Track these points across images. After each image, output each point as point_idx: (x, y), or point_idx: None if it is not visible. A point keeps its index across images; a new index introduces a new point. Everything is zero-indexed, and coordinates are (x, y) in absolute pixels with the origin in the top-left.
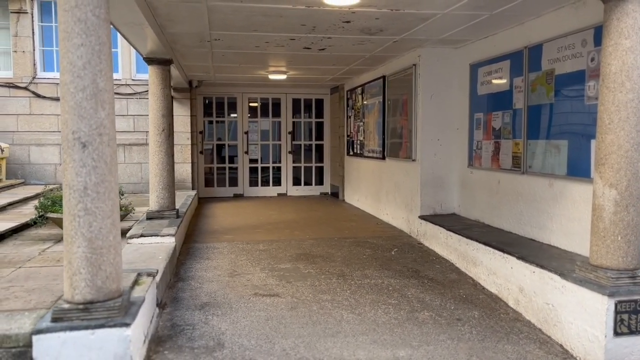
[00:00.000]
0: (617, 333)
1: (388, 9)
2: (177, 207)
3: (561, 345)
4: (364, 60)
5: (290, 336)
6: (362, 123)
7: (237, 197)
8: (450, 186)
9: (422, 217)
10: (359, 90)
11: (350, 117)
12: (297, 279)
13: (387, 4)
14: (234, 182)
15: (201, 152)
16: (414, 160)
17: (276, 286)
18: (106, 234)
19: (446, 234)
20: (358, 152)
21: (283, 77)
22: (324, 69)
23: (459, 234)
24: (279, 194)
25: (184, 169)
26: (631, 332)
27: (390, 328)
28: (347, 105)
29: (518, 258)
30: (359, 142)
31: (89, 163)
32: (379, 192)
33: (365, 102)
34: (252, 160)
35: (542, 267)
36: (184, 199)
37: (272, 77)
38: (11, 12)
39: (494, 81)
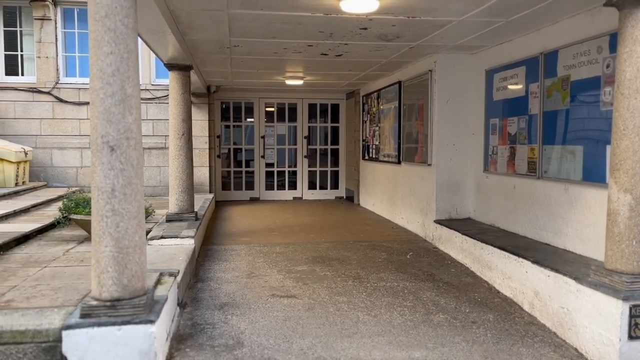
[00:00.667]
0: (631, 337)
1: (405, 16)
2: (195, 210)
3: (576, 349)
4: (380, 65)
5: (308, 336)
6: (377, 128)
7: (254, 200)
8: (466, 191)
9: (438, 222)
10: (374, 95)
11: (365, 121)
12: (314, 281)
13: (403, 12)
14: (250, 185)
15: (218, 156)
16: (429, 164)
17: (293, 288)
18: (132, 234)
19: (461, 238)
20: (373, 156)
21: (300, 82)
22: (340, 74)
23: (474, 238)
24: (295, 198)
25: (201, 173)
26: None
27: (406, 330)
28: (363, 110)
29: (533, 262)
30: (374, 146)
31: (116, 166)
32: (394, 196)
33: (380, 107)
34: (268, 164)
35: (557, 271)
36: (202, 202)
37: (289, 82)
38: (35, 19)
39: (510, 87)
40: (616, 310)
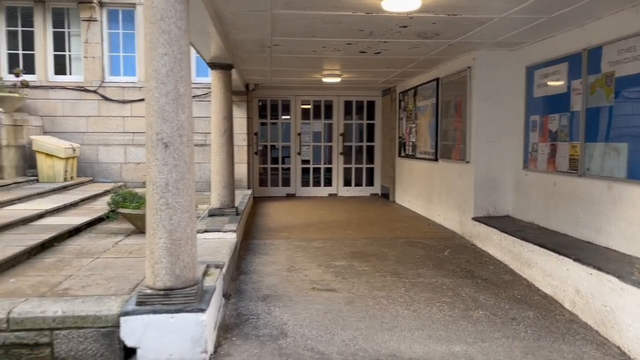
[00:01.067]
0: None
1: (445, 14)
2: (236, 205)
3: (619, 347)
4: (417, 63)
5: (349, 328)
6: (414, 125)
7: (290, 196)
8: (504, 188)
9: (476, 219)
10: (411, 92)
11: (402, 119)
12: (353, 276)
13: (444, 10)
14: (286, 182)
15: (256, 153)
16: (467, 162)
17: (333, 282)
18: (184, 226)
19: (500, 235)
20: (410, 153)
21: (337, 80)
22: (378, 71)
23: (513, 236)
24: (330, 194)
25: (240, 169)
26: None
27: (445, 324)
28: (399, 107)
29: (575, 260)
30: (410, 143)
31: (170, 162)
32: (431, 194)
33: (417, 104)
34: (304, 161)
35: (599, 269)
36: (241, 197)
37: (326, 80)
38: (82, 20)
39: (551, 83)
40: None
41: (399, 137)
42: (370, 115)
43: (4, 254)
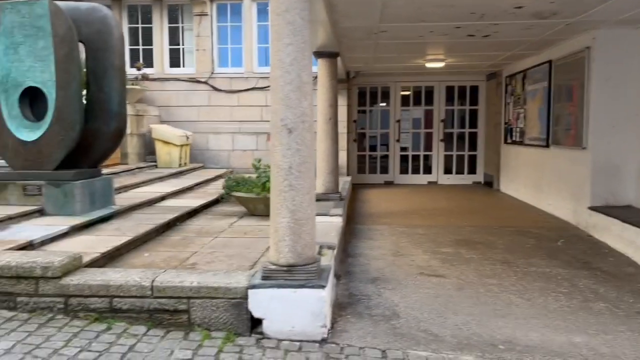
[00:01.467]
0: None
1: None
2: (339, 191)
3: None
4: (529, 45)
5: (461, 313)
6: (522, 110)
7: (388, 184)
8: (626, 175)
9: (593, 208)
10: (519, 76)
11: (508, 103)
12: (460, 263)
13: None
14: (384, 169)
15: (355, 140)
16: (584, 148)
17: (440, 268)
18: (306, 207)
19: (622, 226)
20: (517, 139)
21: (440, 64)
22: (484, 55)
23: (638, 226)
24: (429, 182)
25: (339, 156)
26: None
27: (563, 315)
28: (506, 92)
29: None
30: (518, 129)
31: (293, 146)
32: (541, 182)
33: (526, 88)
34: (402, 148)
35: None
36: (342, 183)
37: (429, 65)
38: (194, 15)
39: None
40: None
41: (505, 123)
42: (473, 101)
43: (139, 230)
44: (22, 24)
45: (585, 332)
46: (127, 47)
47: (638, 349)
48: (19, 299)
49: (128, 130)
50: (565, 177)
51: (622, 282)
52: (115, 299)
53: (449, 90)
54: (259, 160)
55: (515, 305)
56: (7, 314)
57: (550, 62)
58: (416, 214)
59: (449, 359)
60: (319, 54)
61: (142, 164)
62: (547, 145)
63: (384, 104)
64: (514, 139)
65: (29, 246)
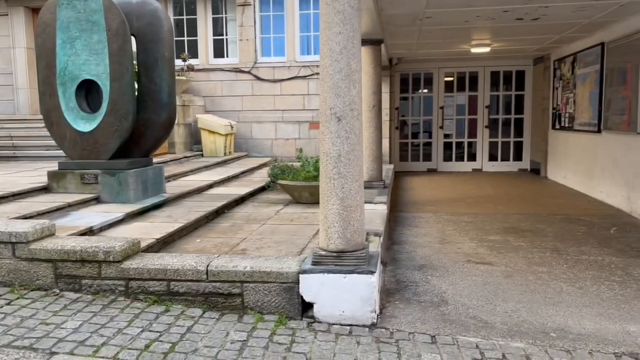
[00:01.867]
0: None
1: None
2: (383, 178)
3: None
4: (580, 27)
5: (510, 301)
6: (572, 94)
7: (431, 171)
8: None
9: None
10: (569, 59)
11: (557, 88)
12: (508, 251)
13: None
14: (427, 157)
15: (397, 128)
16: (638, 133)
17: (488, 255)
18: (354, 194)
19: None
20: (566, 125)
21: (486, 49)
22: (532, 39)
23: None
24: (474, 170)
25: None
26: None
27: (617, 304)
28: (554, 76)
29: None
30: (567, 114)
31: (342, 134)
32: (592, 168)
33: (576, 72)
34: (446, 135)
35: None
36: (385, 171)
37: (474, 50)
38: (237, 5)
39: None
40: None
41: (553, 108)
42: (519, 86)
43: (190, 217)
44: (77, 19)
45: None
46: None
47: None
48: (84, 281)
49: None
50: (620, 163)
51: None
52: (173, 282)
53: (494, 75)
54: (301, 150)
55: (567, 293)
56: (73, 295)
57: (602, 44)
58: (461, 202)
59: (500, 345)
60: (362, 42)
61: (188, 153)
62: (599, 131)
63: (427, 91)
64: (562, 124)
65: (89, 232)
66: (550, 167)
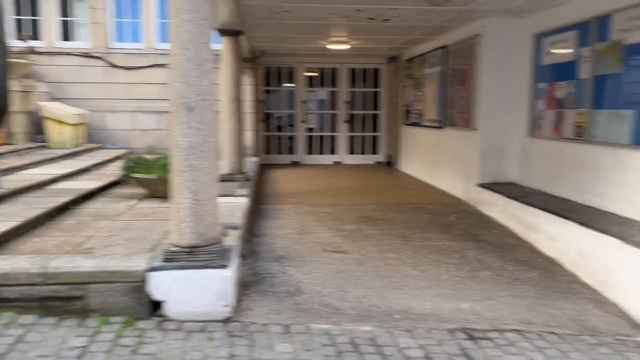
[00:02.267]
0: None
1: None
2: (245, 171)
3: (617, 305)
4: (426, 30)
5: (361, 287)
6: (420, 93)
7: (295, 164)
8: (510, 155)
9: (481, 185)
10: (418, 59)
11: (407, 86)
12: (362, 239)
13: None
14: (292, 149)
15: (262, 121)
16: (474, 129)
17: (343, 244)
18: (207, 187)
19: (505, 201)
20: (415, 121)
21: (344, 47)
22: (385, 38)
23: (519, 201)
24: (335, 162)
25: (246, 137)
26: None
27: (452, 284)
28: (405, 75)
29: (579, 224)
30: (416, 111)
31: (194, 125)
32: (437, 161)
33: (424, 72)
34: (309, 129)
35: (603, 232)
36: (248, 164)
37: (331, 47)
38: None
39: (559, 51)
40: None
41: (405, 105)
42: (376, 83)
43: (28, 215)
44: None
45: (471, 298)
46: (9, 16)
47: (515, 311)
48: None
49: (13, 108)
50: (459, 157)
51: (505, 252)
52: (1, 288)
53: (353, 72)
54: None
55: (411, 277)
56: None
57: (446, 47)
58: (322, 193)
59: (349, 329)
60: (222, 32)
61: (31, 144)
62: (442, 127)
63: (291, 85)
64: (412, 120)
65: None
66: (402, 160)
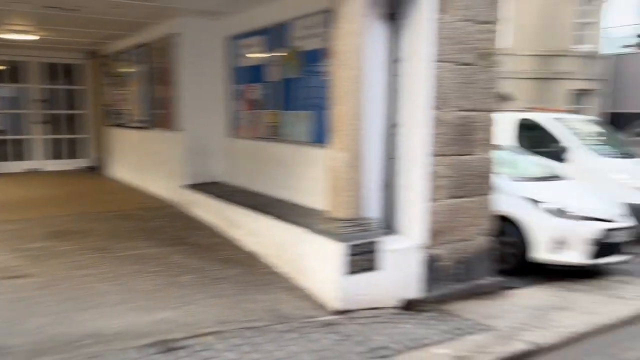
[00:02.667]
0: (349, 272)
1: None
2: None
3: (306, 289)
4: (122, 25)
5: (47, 313)
6: (124, 92)
7: None
8: (214, 155)
9: (187, 186)
10: (120, 56)
11: (109, 85)
12: (52, 257)
13: None
14: None
15: None
16: (178, 130)
17: (26, 267)
18: None
19: (210, 200)
20: (121, 122)
21: (29, 37)
22: (80, 31)
23: (222, 200)
24: (32, 169)
25: None
26: (359, 271)
27: (151, 294)
28: (105, 73)
29: (274, 217)
30: (123, 111)
31: None
32: (145, 164)
33: (127, 70)
34: None
35: (293, 223)
36: None
37: (11, 37)
38: None
39: (251, 55)
40: (337, 251)
41: (107, 105)
42: (80, 81)
43: None
44: None
45: (169, 307)
46: None
47: (216, 312)
48: None
49: None
50: (166, 158)
51: (209, 252)
52: None
53: (50, 67)
54: None
55: (110, 293)
56: None
57: (146, 44)
58: (5, 207)
59: None
60: None
61: None
62: (148, 128)
63: None
64: (118, 121)
65: None
66: (110, 164)
